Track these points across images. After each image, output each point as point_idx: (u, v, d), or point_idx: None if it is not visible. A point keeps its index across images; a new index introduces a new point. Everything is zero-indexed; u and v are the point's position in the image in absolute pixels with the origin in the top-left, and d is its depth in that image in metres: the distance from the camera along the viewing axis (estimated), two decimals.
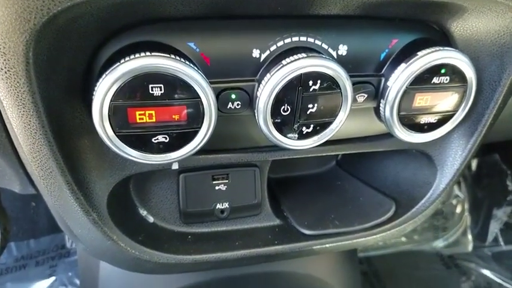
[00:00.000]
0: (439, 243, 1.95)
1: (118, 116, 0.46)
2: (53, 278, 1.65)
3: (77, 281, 1.63)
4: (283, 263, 0.89)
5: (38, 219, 1.71)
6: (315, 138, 0.57)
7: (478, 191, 1.92)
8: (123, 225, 0.61)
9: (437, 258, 1.89)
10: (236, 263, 0.71)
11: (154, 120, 0.48)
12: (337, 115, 0.55)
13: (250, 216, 0.72)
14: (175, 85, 0.46)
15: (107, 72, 0.44)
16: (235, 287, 0.88)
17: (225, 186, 0.68)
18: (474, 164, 1.90)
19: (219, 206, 0.69)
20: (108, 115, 0.46)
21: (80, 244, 0.65)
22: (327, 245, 0.72)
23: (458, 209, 1.96)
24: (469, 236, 1.95)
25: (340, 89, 0.53)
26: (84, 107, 0.51)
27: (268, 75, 0.51)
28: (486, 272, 1.80)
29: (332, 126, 0.56)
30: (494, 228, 1.88)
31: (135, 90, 0.45)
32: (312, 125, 0.55)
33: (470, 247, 1.93)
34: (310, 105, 0.53)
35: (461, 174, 0.73)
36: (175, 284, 0.84)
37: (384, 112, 0.58)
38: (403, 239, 1.91)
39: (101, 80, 0.45)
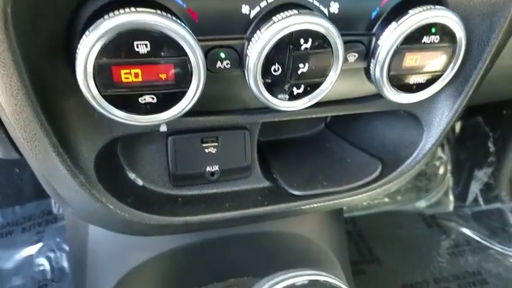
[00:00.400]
0: (422, 204, 2.01)
1: (103, 75, 0.45)
2: (40, 244, 1.65)
3: (66, 247, 1.63)
4: (272, 223, 0.90)
5: (23, 185, 1.69)
6: (306, 99, 0.56)
7: (461, 152, 1.97)
8: (111, 187, 0.60)
9: (419, 217, 1.95)
10: (226, 224, 0.72)
11: (140, 79, 0.46)
12: (328, 75, 0.54)
13: (240, 178, 0.72)
14: (161, 42, 0.44)
15: (90, 29, 0.42)
16: (223, 247, 0.89)
17: (215, 149, 0.68)
18: (458, 126, 1.93)
19: (209, 168, 0.68)
20: (93, 74, 0.44)
21: (67, 208, 0.64)
22: (315, 205, 0.73)
23: (441, 171, 2.01)
24: (451, 196, 2.02)
25: (331, 47, 0.52)
26: (68, 67, 0.49)
27: (258, 32, 0.49)
28: (466, 231, 1.88)
29: (323, 87, 0.55)
30: (474, 188, 1.94)
31: (119, 48, 0.44)
32: (302, 86, 0.54)
33: (451, 207, 2.00)
34: (301, 65, 0.52)
35: (446, 135, 0.75)
36: (166, 246, 0.85)
37: (374, 72, 0.58)
38: (387, 199, 1.96)
39: (84, 37, 0.43)
